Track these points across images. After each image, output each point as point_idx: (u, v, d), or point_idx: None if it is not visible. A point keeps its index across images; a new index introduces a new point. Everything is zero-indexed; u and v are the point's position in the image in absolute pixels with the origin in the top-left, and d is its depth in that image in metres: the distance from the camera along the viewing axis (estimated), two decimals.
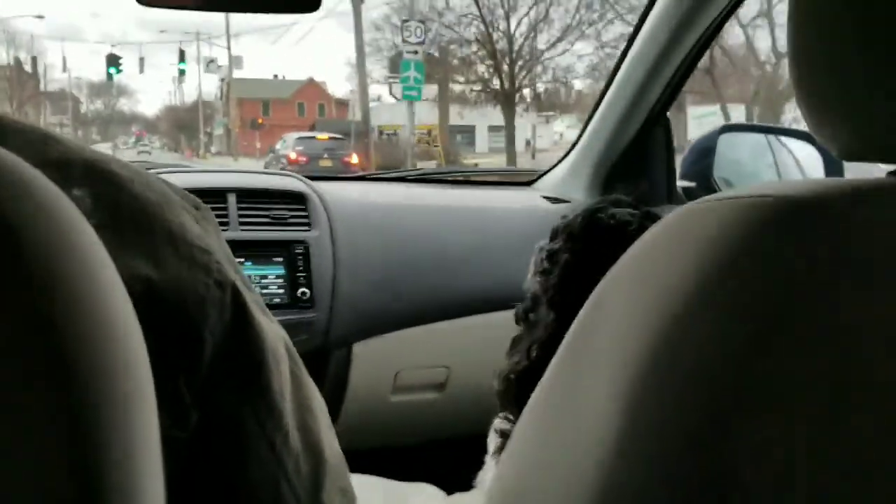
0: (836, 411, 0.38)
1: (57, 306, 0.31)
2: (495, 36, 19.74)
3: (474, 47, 20.17)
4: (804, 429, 0.38)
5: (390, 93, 18.57)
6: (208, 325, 0.47)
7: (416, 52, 15.81)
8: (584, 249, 1.02)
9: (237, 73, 36.67)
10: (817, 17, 0.47)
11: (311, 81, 46.06)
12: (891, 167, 0.49)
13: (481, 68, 20.74)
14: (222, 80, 40.73)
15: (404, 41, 15.97)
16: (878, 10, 0.44)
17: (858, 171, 0.66)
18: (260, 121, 37.53)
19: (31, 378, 0.30)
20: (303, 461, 0.53)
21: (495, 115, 22.11)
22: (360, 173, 2.67)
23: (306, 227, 1.65)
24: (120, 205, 0.46)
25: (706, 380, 0.40)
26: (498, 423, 1.09)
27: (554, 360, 0.53)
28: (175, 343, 0.45)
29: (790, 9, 0.49)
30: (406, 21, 16.23)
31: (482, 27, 19.71)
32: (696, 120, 17.64)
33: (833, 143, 0.50)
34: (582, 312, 0.52)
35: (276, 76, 48.70)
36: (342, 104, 41.58)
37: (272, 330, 0.53)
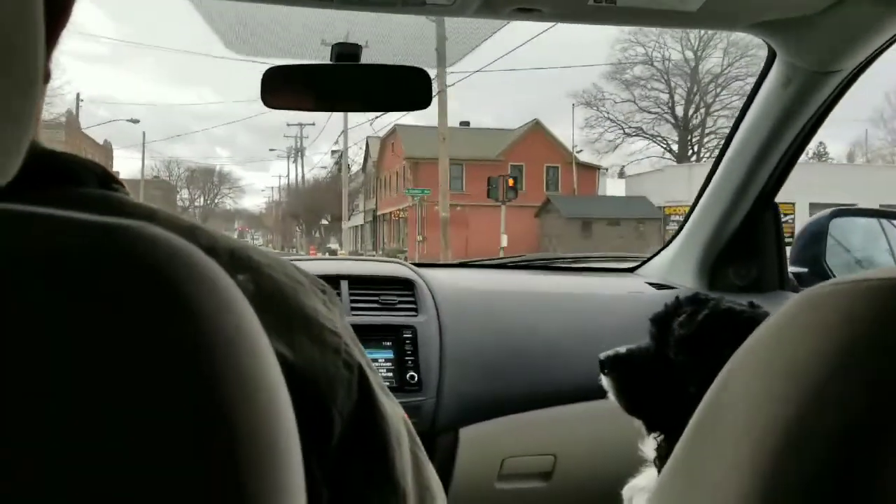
0: None
1: (230, 391, 0.33)
2: None
3: None
4: None
5: None
6: (337, 405, 0.49)
7: None
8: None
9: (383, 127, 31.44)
10: None
11: (536, 125, 33.01)
12: None
13: None
14: (368, 138, 36.99)
15: None
16: None
17: None
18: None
19: (189, 443, 0.31)
20: None
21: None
22: (461, 260, 2.71)
23: (414, 313, 1.70)
24: (262, 289, 0.49)
25: (836, 454, 0.40)
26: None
27: (681, 441, 0.54)
28: (307, 422, 0.48)
29: None
30: None
31: None
32: None
33: None
34: (708, 395, 0.53)
35: (464, 123, 36.92)
36: (588, 169, 32.16)
37: (394, 410, 0.55)
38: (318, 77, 1.35)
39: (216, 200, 52.85)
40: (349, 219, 37.03)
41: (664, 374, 1.13)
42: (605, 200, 31.40)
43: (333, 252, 30.80)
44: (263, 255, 0.53)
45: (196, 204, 51.38)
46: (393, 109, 1.53)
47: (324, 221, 40.60)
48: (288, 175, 49.17)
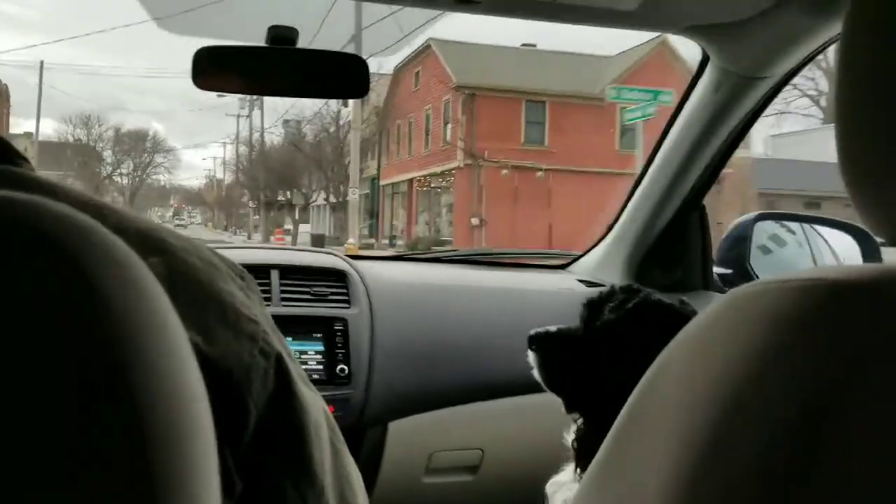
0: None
1: (136, 369, 0.32)
2: None
3: None
4: None
5: None
6: (252, 394, 0.48)
7: None
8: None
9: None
10: (866, 98, 0.48)
11: (661, 46, 19.41)
12: None
13: None
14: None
15: None
16: None
17: None
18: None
19: (107, 433, 0.30)
20: None
21: None
22: (398, 254, 2.70)
23: (346, 305, 1.68)
24: (174, 273, 0.48)
25: (762, 459, 0.40)
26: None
27: (609, 438, 0.54)
28: (221, 411, 0.46)
29: (837, 91, 0.49)
30: None
31: None
32: None
33: (883, 229, 0.50)
34: (636, 392, 0.53)
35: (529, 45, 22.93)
36: None
37: (314, 401, 0.54)
38: (252, 59, 1.31)
39: (148, 171, 43.30)
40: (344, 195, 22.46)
41: (588, 355, 1.18)
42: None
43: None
44: (177, 237, 0.51)
45: (122, 171, 41.95)
46: (327, 96, 1.50)
47: (282, 198, 34.02)
48: (238, 136, 39.05)
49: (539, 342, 1.23)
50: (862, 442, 0.39)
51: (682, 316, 1.14)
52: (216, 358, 0.46)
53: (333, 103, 21.04)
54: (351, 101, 14.15)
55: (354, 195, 17.80)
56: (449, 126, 21.38)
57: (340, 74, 1.35)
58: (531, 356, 1.24)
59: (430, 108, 23.15)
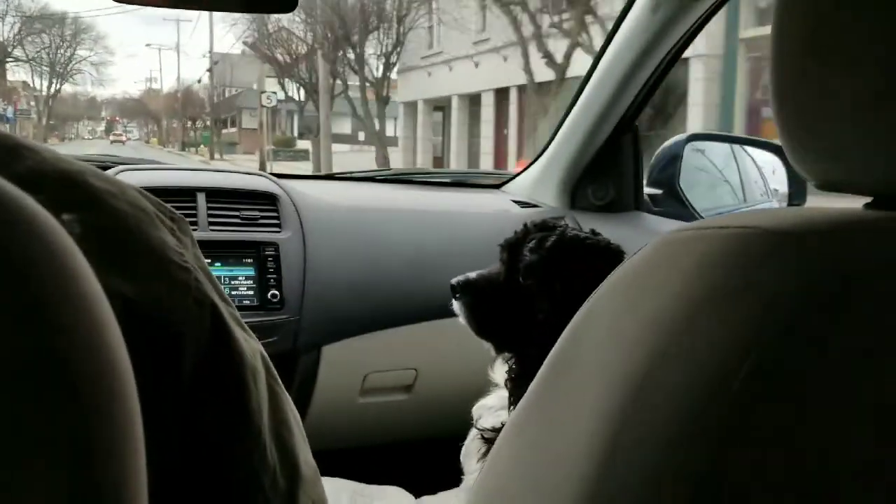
0: (827, 439, 0.39)
1: (50, 330, 0.31)
2: None
3: None
4: (792, 456, 0.39)
5: None
6: (187, 345, 0.47)
7: None
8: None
9: None
10: (802, 49, 0.48)
11: None
12: (867, 199, 0.50)
13: None
14: None
15: None
16: (864, 46, 0.45)
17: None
18: None
19: (32, 398, 0.29)
20: (279, 475, 0.54)
21: None
22: (330, 173, 2.66)
23: (277, 229, 1.65)
24: (100, 224, 0.45)
25: (690, 407, 0.41)
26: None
27: (537, 379, 0.54)
28: (153, 362, 0.45)
29: (773, 39, 0.49)
30: None
31: None
32: None
33: (811, 173, 0.51)
34: (565, 333, 0.53)
35: None
36: None
37: (250, 345, 0.53)
38: None
39: (71, 64, 32.53)
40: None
41: (512, 298, 1.18)
42: None
43: None
44: (103, 179, 0.48)
45: (38, 63, 31.26)
46: (253, 10, 1.42)
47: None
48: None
49: (462, 290, 1.23)
50: (798, 393, 0.39)
51: (600, 249, 1.16)
52: (148, 308, 0.45)
53: None
54: None
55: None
56: None
57: None
58: (455, 305, 1.24)
59: None
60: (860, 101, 0.45)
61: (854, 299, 0.41)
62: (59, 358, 0.30)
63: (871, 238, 0.45)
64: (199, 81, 33.52)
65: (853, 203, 0.51)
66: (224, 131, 33.81)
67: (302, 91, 22.60)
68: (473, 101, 19.26)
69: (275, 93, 21.22)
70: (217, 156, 28.81)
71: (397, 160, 20.68)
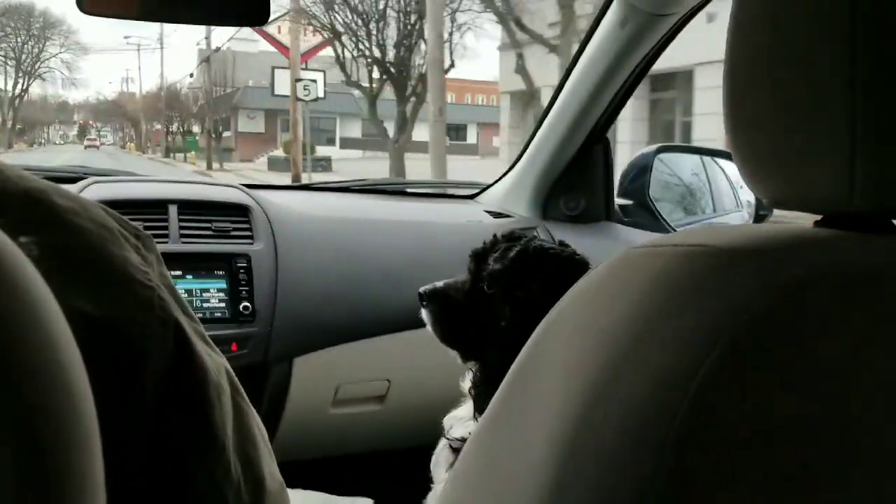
0: (781, 457, 0.39)
1: (7, 356, 0.30)
2: None
3: None
4: (744, 468, 0.39)
5: None
6: (150, 364, 0.47)
7: None
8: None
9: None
10: (752, 73, 0.49)
11: None
12: (817, 217, 0.51)
13: None
14: None
15: None
16: (811, 68, 0.46)
17: None
18: None
19: None
20: (243, 490, 0.54)
21: None
22: (304, 182, 2.66)
23: (249, 241, 1.64)
24: (61, 244, 0.46)
25: (642, 423, 0.41)
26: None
27: (500, 390, 0.55)
28: (117, 377, 0.46)
29: (725, 64, 0.50)
30: None
31: None
32: None
33: (764, 193, 0.52)
34: (527, 345, 0.54)
35: None
36: None
37: (214, 361, 0.53)
38: None
39: (40, 61, 30.53)
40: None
41: (477, 306, 1.21)
42: None
43: None
44: (67, 197, 0.49)
45: (2, 60, 28.95)
46: (225, 23, 1.43)
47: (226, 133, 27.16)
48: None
49: (429, 299, 1.25)
50: (749, 410, 0.40)
51: (563, 260, 1.18)
52: (111, 328, 0.45)
53: None
54: None
55: None
56: None
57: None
58: (423, 313, 1.26)
59: None
60: (807, 124, 0.46)
61: (800, 314, 0.42)
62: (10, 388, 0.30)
63: (819, 254, 0.46)
64: (192, 76, 29.67)
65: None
66: (225, 135, 29.04)
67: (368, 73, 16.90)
68: None
69: (314, 81, 15.92)
70: (216, 165, 24.19)
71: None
